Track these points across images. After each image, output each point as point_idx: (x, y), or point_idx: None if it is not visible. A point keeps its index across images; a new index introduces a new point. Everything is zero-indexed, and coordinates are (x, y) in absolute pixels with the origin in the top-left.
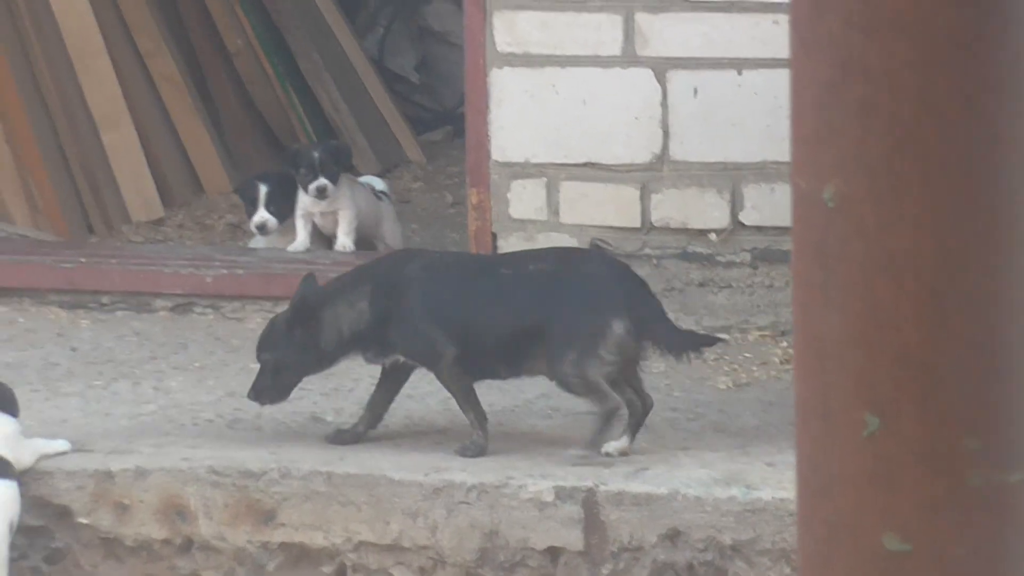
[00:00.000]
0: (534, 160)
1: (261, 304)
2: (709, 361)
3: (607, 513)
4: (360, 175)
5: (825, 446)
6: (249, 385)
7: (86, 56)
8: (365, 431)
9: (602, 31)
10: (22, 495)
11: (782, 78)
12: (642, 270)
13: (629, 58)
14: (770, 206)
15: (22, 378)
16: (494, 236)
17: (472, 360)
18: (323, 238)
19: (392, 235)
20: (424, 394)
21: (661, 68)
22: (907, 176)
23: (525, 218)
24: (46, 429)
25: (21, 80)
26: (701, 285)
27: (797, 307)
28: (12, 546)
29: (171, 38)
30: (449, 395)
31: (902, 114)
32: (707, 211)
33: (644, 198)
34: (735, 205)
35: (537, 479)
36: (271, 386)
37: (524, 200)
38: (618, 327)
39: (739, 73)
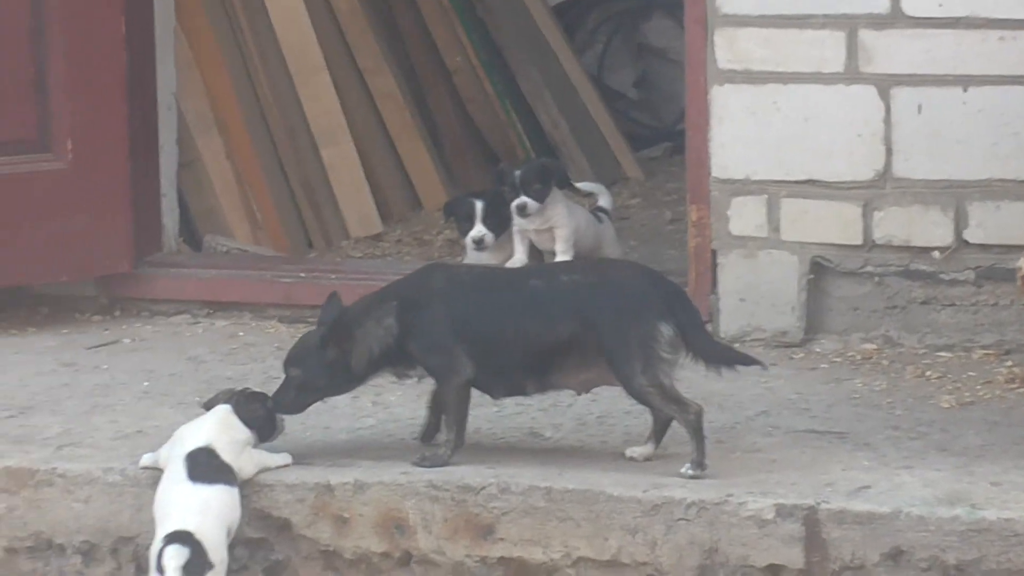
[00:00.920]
0: (755, 177)
1: None
2: (932, 379)
3: (828, 531)
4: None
5: None
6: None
7: (306, 72)
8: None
9: (825, 48)
10: (243, 507)
11: (1009, 95)
12: (864, 288)
13: (852, 75)
14: (995, 224)
15: None
16: (714, 253)
17: (497, 375)
18: (540, 254)
19: (613, 255)
20: (642, 410)
21: (885, 85)
22: None
23: (745, 235)
24: (267, 443)
25: (242, 96)
26: (924, 303)
27: None
28: (233, 558)
29: (391, 55)
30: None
31: None
32: (930, 229)
33: (866, 215)
34: (959, 223)
35: (757, 496)
36: (292, 400)
37: (744, 217)
38: (665, 328)
39: (964, 90)
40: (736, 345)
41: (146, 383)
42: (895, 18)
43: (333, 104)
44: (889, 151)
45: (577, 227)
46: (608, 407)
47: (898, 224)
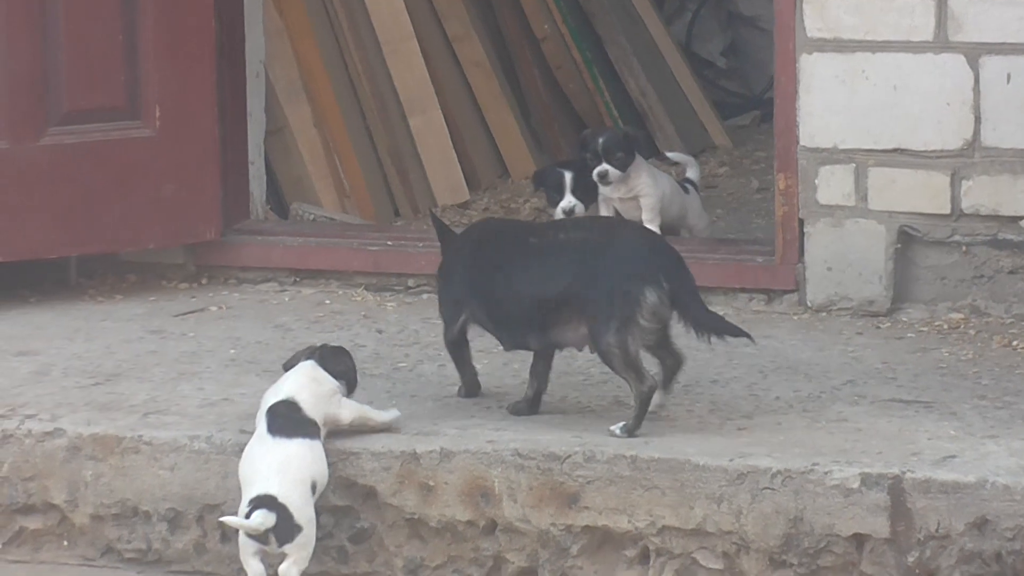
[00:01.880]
0: (842, 146)
1: None
2: (1019, 349)
3: (914, 500)
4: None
5: None
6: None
7: (395, 40)
8: (535, 398)
9: (915, 16)
10: (329, 474)
11: None
12: (951, 257)
13: (941, 43)
14: None
15: None
16: (801, 222)
17: (502, 328)
18: None
19: (698, 226)
20: (729, 379)
21: (974, 53)
22: None
23: (832, 204)
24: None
25: (331, 65)
26: (1012, 272)
27: None
28: (319, 526)
29: (480, 23)
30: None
31: None
32: (1019, 198)
33: (954, 184)
34: None
35: (843, 465)
36: None
37: (832, 186)
38: (650, 295)
39: None
40: (823, 315)
41: (232, 351)
42: None
43: (421, 72)
44: (978, 120)
45: (663, 196)
46: (694, 375)
47: (986, 193)
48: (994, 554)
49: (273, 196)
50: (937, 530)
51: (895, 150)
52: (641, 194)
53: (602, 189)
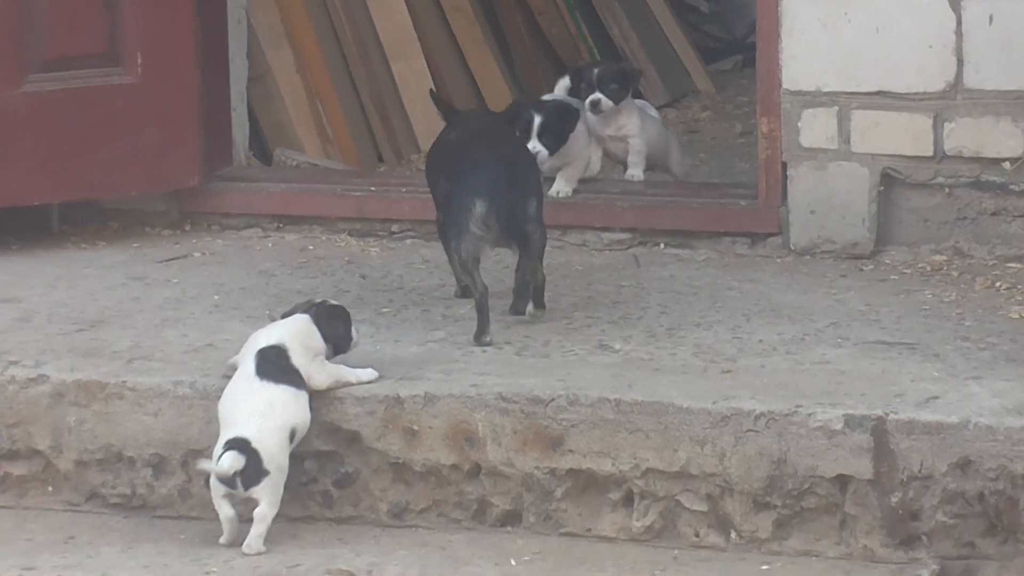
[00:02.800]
0: (825, 89)
1: (550, 232)
2: (1002, 290)
3: (897, 442)
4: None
5: None
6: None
7: None
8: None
9: None
10: (313, 420)
11: None
12: (934, 199)
13: None
14: None
15: None
16: (784, 165)
17: None
18: (614, 166)
19: (677, 163)
20: (712, 322)
21: None
22: None
23: (815, 147)
24: (338, 356)
25: (313, 10)
26: (994, 214)
27: None
28: (303, 471)
29: None
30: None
31: None
32: (1001, 140)
33: (937, 127)
34: None
35: (826, 407)
36: None
37: (815, 129)
38: (480, 205)
39: None
40: (806, 258)
41: (216, 297)
42: None
43: (404, 18)
44: (960, 62)
45: (649, 140)
46: (678, 319)
47: (969, 135)
48: (977, 494)
49: (256, 142)
50: (920, 471)
51: (877, 93)
52: (630, 134)
53: (591, 120)
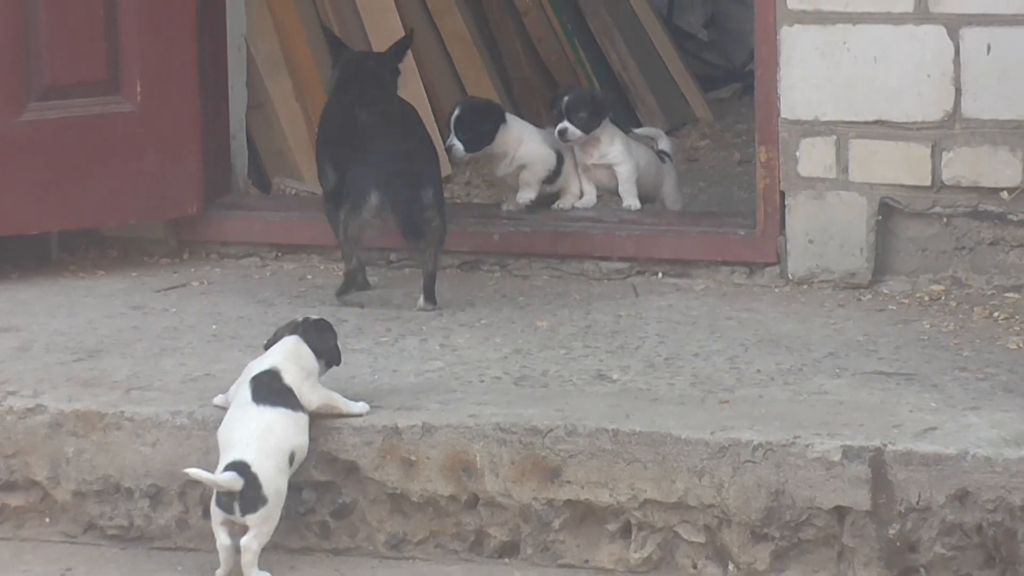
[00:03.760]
0: (823, 118)
1: (548, 262)
2: (1000, 321)
3: (895, 473)
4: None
5: None
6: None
7: (376, 13)
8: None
9: None
10: (311, 450)
11: None
12: (932, 229)
13: (921, 15)
14: None
15: None
16: (782, 194)
17: None
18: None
19: (672, 198)
20: (710, 352)
21: (954, 25)
22: None
23: (814, 176)
24: (335, 385)
25: (312, 37)
26: (992, 244)
27: None
28: (300, 501)
29: None
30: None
31: None
32: (999, 169)
33: (935, 156)
34: None
35: (824, 438)
36: None
37: (813, 158)
38: (375, 197)
39: None
40: (804, 287)
41: (214, 326)
42: None
43: None
44: (958, 91)
45: (636, 166)
46: (676, 349)
47: (967, 165)
48: (975, 526)
49: (255, 170)
50: (918, 502)
51: (876, 122)
52: (614, 162)
53: (579, 153)
